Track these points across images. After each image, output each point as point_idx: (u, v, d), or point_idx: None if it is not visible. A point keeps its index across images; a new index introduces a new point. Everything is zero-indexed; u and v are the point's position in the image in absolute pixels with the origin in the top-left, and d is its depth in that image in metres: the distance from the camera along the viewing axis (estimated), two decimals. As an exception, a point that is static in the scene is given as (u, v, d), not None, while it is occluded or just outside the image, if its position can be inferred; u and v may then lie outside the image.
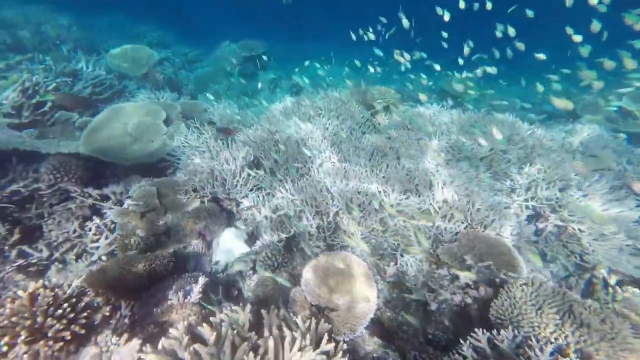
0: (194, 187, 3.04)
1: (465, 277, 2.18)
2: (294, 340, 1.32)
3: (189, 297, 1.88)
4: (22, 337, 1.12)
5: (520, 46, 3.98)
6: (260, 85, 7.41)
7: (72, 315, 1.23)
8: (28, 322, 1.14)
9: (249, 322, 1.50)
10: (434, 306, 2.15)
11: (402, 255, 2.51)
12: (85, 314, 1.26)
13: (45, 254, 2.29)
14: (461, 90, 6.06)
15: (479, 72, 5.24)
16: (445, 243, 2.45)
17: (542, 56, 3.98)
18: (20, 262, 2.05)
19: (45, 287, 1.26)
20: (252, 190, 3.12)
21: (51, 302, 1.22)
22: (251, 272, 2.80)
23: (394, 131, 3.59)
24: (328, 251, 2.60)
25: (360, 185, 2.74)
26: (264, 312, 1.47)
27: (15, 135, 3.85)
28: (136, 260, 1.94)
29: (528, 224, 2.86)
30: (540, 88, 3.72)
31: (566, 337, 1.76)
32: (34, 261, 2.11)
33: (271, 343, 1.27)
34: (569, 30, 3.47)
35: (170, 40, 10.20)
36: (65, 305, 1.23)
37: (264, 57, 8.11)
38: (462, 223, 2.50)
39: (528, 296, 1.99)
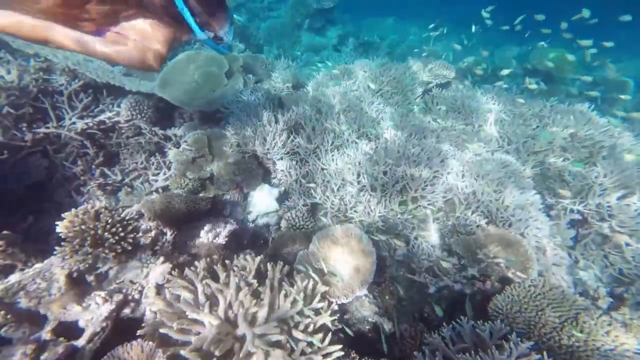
0: (237, 142, 3.26)
1: (472, 269, 2.14)
2: (288, 293, 1.49)
3: (217, 238, 2.15)
4: (88, 242, 1.45)
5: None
6: (325, 42, 7.04)
7: (122, 234, 1.54)
8: (92, 232, 1.46)
9: (260, 270, 1.71)
10: (432, 289, 2.18)
11: (416, 238, 2.51)
12: (132, 235, 1.56)
13: (119, 177, 2.74)
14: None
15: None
16: (462, 234, 2.37)
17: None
18: (101, 180, 2.51)
19: (106, 208, 1.57)
20: (288, 153, 3.24)
21: (109, 221, 1.52)
22: (276, 226, 3.05)
23: (443, 112, 3.33)
24: (348, 220, 2.70)
25: (387, 168, 2.68)
26: (269, 265, 1.65)
27: (108, 70, 4.38)
28: (179, 199, 2.24)
29: (569, 228, 2.60)
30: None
31: (560, 340, 1.70)
32: (109, 182, 2.55)
33: (268, 292, 1.45)
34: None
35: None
36: (118, 225, 1.54)
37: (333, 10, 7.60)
38: (485, 217, 2.37)
39: (532, 296, 1.90)
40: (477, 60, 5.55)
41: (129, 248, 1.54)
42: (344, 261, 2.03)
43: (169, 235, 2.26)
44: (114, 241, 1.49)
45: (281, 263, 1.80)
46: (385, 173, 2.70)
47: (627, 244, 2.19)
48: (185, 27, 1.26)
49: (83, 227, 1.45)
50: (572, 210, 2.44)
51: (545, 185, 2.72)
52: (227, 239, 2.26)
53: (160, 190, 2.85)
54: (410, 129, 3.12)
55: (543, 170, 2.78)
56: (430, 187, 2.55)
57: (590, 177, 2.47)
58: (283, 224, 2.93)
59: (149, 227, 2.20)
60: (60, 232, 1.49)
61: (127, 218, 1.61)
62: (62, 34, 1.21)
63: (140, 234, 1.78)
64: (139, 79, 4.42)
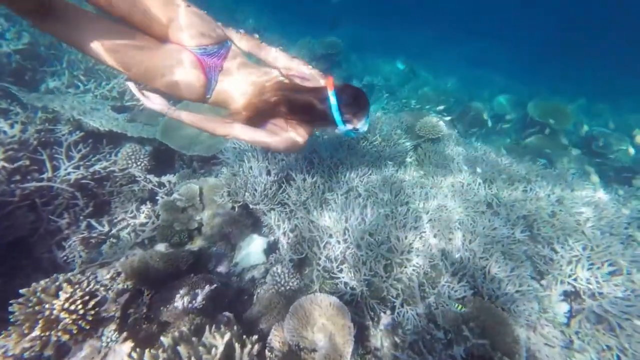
0: (229, 191, 3.25)
1: (459, 351, 1.97)
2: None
3: (193, 302, 2.05)
4: (39, 326, 1.36)
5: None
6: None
7: (82, 311, 1.45)
8: (47, 312, 1.38)
9: (230, 346, 1.59)
10: (415, 369, 2.00)
11: (401, 305, 2.37)
12: (93, 312, 1.47)
13: (106, 229, 2.70)
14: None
15: None
16: (447, 305, 2.23)
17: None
18: (85, 234, 2.47)
19: (69, 281, 1.50)
20: (278, 203, 3.21)
21: (69, 297, 1.44)
22: (263, 279, 2.93)
23: (430, 168, 3.33)
24: (332, 281, 2.59)
25: (373, 227, 2.62)
26: (237, 345, 1.53)
27: (113, 117, 4.53)
28: (159, 257, 2.17)
29: (562, 301, 2.45)
30: None
31: None
32: (94, 234, 2.51)
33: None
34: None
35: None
36: (79, 301, 1.45)
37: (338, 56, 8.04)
38: (471, 289, 2.24)
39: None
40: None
41: (87, 327, 1.44)
42: (322, 334, 1.90)
43: (146, 296, 2.16)
44: (70, 321, 1.40)
45: (253, 339, 1.68)
46: (371, 234, 2.63)
47: (620, 326, 2.03)
48: (332, 123, 1.60)
49: (37, 307, 1.37)
50: (562, 282, 2.32)
51: (535, 250, 2.62)
52: (204, 302, 2.15)
53: (146, 242, 2.79)
54: (399, 185, 3.10)
55: (533, 234, 2.70)
56: (416, 250, 2.46)
57: (578, 249, 2.38)
58: (268, 278, 2.81)
59: (125, 288, 2.11)
60: (11, 315, 1.40)
61: (91, 290, 1.53)
62: (239, 129, 1.61)
63: (107, 305, 1.69)
64: (142, 125, 4.56)
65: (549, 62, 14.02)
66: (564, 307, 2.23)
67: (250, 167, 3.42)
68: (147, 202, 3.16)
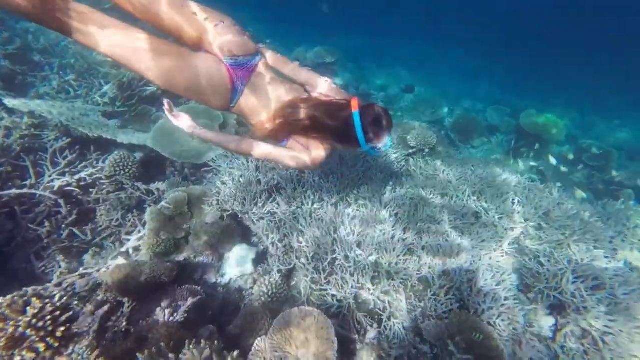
0: (218, 200, 3.21)
1: (444, 366, 1.95)
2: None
3: (175, 315, 1.99)
4: (1, 344, 1.29)
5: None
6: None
7: (51, 328, 1.38)
8: (11, 330, 1.31)
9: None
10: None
11: (388, 318, 2.34)
12: (63, 328, 1.41)
13: (89, 237, 2.64)
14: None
15: None
16: (434, 318, 2.21)
17: None
18: (66, 243, 2.40)
19: (38, 296, 1.44)
20: (268, 213, 3.18)
21: (37, 313, 1.38)
22: (251, 290, 2.88)
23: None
24: (320, 292, 2.55)
25: (363, 237, 2.61)
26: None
27: (103, 123, 4.48)
28: (142, 268, 2.11)
29: (548, 314, 2.44)
30: None
31: None
32: (76, 244, 2.45)
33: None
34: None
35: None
36: (49, 316, 1.39)
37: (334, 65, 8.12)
38: (458, 302, 2.23)
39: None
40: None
41: (56, 345, 1.38)
42: (305, 350, 1.86)
43: (127, 307, 2.10)
44: (37, 339, 1.34)
45: (234, 355, 1.64)
46: (359, 245, 2.62)
47: (603, 340, 2.03)
48: (355, 143, 1.61)
49: (1, 325, 1.31)
50: (548, 295, 2.32)
51: (523, 263, 2.62)
52: (186, 314, 2.09)
53: (131, 251, 2.73)
54: (389, 197, 3.10)
55: (521, 247, 2.71)
56: (404, 263, 2.44)
57: (563, 262, 2.39)
58: (255, 290, 2.76)
59: (104, 299, 2.05)
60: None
61: (64, 304, 1.46)
62: (263, 148, 1.67)
63: (82, 319, 1.63)
64: (133, 131, 4.52)
65: (544, 72, 14.37)
66: (549, 321, 2.22)
67: (241, 176, 3.39)
68: (134, 210, 3.10)
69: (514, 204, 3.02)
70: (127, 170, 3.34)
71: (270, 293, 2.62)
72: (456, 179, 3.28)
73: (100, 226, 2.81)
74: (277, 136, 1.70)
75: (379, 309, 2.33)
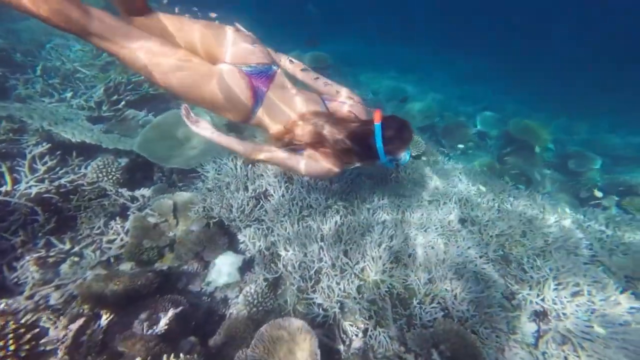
0: (204, 206, 3.16)
1: (429, 376, 1.94)
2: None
3: (154, 327, 1.93)
4: None
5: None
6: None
7: (13, 347, 1.32)
8: None
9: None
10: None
11: (374, 327, 2.32)
12: (28, 346, 1.34)
13: (67, 246, 2.55)
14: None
15: None
16: (418, 327, 2.21)
17: None
18: (42, 252, 2.31)
19: (3, 312, 1.37)
20: (255, 220, 3.14)
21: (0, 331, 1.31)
22: (237, 299, 2.82)
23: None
24: (307, 301, 2.52)
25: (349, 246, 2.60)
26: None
27: (87, 128, 4.38)
28: (120, 277, 2.05)
29: (531, 321, 2.46)
30: None
31: None
32: (52, 253, 2.36)
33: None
34: None
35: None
36: (12, 334, 1.32)
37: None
38: (442, 310, 2.23)
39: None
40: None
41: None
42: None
43: (104, 320, 2.03)
44: None
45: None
46: (345, 253, 2.60)
47: (581, 346, 2.06)
48: (375, 155, 1.61)
49: None
50: (531, 302, 2.34)
51: (507, 270, 2.65)
52: (167, 326, 2.03)
53: (111, 260, 2.65)
54: (377, 204, 3.10)
55: (506, 254, 2.74)
56: (390, 271, 2.44)
57: (545, 269, 2.42)
58: (241, 299, 2.71)
59: (80, 312, 1.98)
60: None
61: (29, 321, 1.39)
62: (281, 155, 1.68)
63: (52, 335, 1.57)
64: (119, 136, 4.42)
65: (534, 78, 14.73)
66: (532, 328, 2.24)
67: (228, 183, 3.35)
68: (117, 218, 3.03)
69: (498, 210, 3.06)
70: (110, 177, 3.27)
71: (255, 302, 2.59)
72: (442, 186, 3.31)
73: (81, 234, 2.72)
74: (294, 145, 1.69)
75: (365, 318, 2.32)
